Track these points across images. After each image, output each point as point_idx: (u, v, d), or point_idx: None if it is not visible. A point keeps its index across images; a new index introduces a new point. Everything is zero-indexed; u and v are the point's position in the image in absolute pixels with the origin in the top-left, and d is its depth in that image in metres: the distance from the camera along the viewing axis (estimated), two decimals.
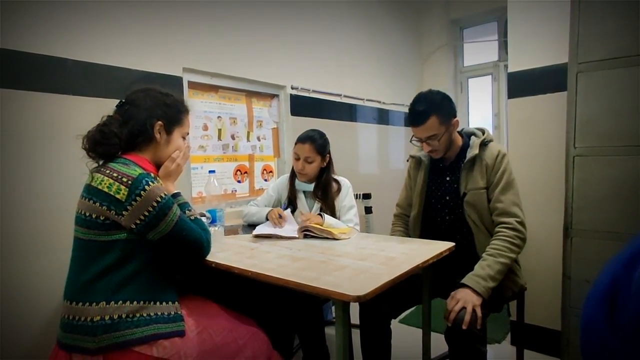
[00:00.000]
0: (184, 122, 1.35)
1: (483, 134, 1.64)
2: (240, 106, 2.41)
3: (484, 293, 1.35)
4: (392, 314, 1.61)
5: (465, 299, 1.32)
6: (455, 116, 1.58)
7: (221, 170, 2.32)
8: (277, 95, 2.62)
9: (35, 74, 1.53)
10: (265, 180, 2.58)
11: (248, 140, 2.46)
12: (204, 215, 1.91)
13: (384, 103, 3.47)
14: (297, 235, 1.62)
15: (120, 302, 1.09)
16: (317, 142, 1.89)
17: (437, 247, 1.37)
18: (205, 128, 2.22)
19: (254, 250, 1.44)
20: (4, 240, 1.44)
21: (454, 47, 3.99)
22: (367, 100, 3.28)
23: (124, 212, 1.09)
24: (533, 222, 2.06)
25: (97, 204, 1.11)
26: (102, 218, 1.10)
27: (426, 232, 1.72)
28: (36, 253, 1.50)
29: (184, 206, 1.29)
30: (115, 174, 1.13)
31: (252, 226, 1.86)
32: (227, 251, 1.44)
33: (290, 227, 1.71)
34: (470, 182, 1.57)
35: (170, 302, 1.19)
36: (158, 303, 1.16)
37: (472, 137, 1.64)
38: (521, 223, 1.50)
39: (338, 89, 2.98)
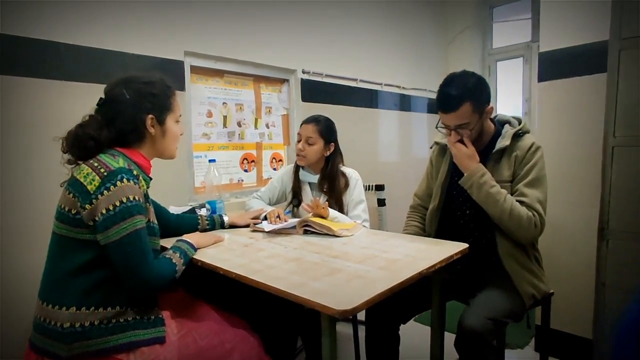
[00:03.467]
0: (174, 106, 1.24)
1: (519, 123, 1.45)
2: (247, 92, 2.29)
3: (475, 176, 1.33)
4: (401, 318, 1.48)
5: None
6: (489, 102, 1.41)
7: (226, 159, 2.22)
8: (287, 80, 2.48)
9: (25, 59, 1.46)
10: (274, 169, 2.47)
11: (256, 127, 2.35)
12: (204, 207, 1.83)
13: (404, 88, 3.27)
14: (296, 229, 1.50)
15: (93, 307, 1.01)
16: (322, 125, 1.78)
17: (447, 249, 1.22)
18: (210, 115, 2.12)
19: (247, 247, 1.33)
20: None
21: (482, 27, 3.70)
22: (386, 85, 3.09)
23: (87, 206, 1.00)
24: (563, 219, 1.86)
25: (71, 194, 1.03)
26: (73, 212, 1.02)
27: (444, 227, 1.57)
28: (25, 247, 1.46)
29: (176, 249, 1.18)
30: (96, 164, 1.05)
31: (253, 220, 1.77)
32: (219, 247, 1.35)
33: (291, 220, 1.59)
34: (495, 173, 1.40)
35: (149, 307, 1.11)
36: (136, 308, 1.08)
37: (506, 126, 1.46)
38: (541, 221, 1.33)
39: (353, 73, 2.80)
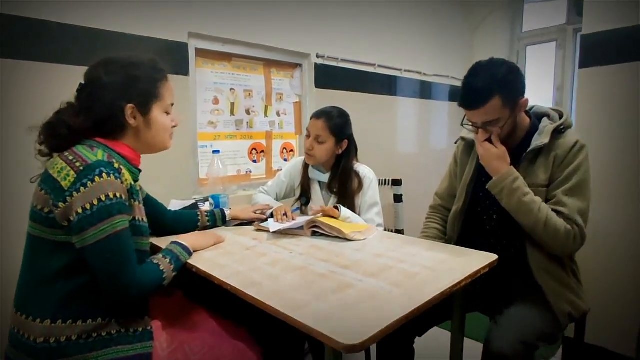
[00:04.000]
0: (164, 94, 1.07)
1: (560, 117, 1.26)
2: (257, 77, 2.15)
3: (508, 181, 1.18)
4: (416, 331, 1.35)
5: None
6: (523, 95, 1.22)
7: (234, 149, 2.10)
8: (300, 65, 2.32)
9: (12, 40, 1.35)
10: (285, 160, 2.34)
11: (266, 115, 2.21)
12: (207, 200, 1.71)
13: (425, 74, 3.07)
14: (304, 230, 1.36)
15: (70, 320, 0.90)
16: (333, 121, 1.60)
17: (472, 261, 1.06)
18: (216, 102, 1.99)
19: (249, 250, 1.21)
20: None
21: (512, 8, 3.44)
22: (406, 71, 2.90)
23: (60, 204, 0.88)
24: (603, 222, 1.68)
25: (44, 192, 0.92)
26: (46, 210, 0.91)
27: (467, 231, 1.41)
28: None
29: (167, 252, 1.06)
30: (71, 157, 0.93)
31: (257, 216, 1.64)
32: (219, 249, 1.23)
33: (299, 219, 1.46)
34: (529, 176, 1.23)
35: (137, 317, 1.00)
36: (122, 319, 0.97)
37: (544, 120, 1.27)
38: (581, 234, 1.16)
39: (372, 57, 2.62)
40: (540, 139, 1.21)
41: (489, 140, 1.24)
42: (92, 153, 0.93)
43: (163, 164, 1.51)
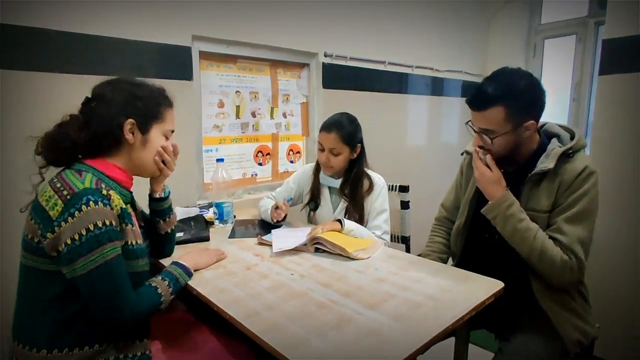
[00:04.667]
0: (165, 117, 1.09)
1: (572, 138, 1.20)
2: (263, 78, 2.11)
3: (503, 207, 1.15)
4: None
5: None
6: (535, 117, 1.16)
7: (239, 152, 2.07)
8: (307, 65, 2.27)
9: (9, 49, 1.33)
10: (292, 162, 2.31)
11: (272, 117, 2.17)
12: (211, 207, 1.70)
13: (437, 70, 2.98)
14: (307, 247, 1.34)
15: (67, 349, 0.90)
16: (345, 130, 1.56)
17: (477, 290, 1.03)
18: (221, 105, 1.96)
19: (250, 270, 1.19)
20: None
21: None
22: (417, 67, 2.81)
23: (48, 235, 0.87)
24: (616, 237, 1.62)
25: (33, 221, 0.91)
26: (35, 240, 0.90)
27: (470, 248, 1.38)
28: None
29: (166, 275, 1.05)
30: (59, 185, 0.91)
31: (266, 224, 1.63)
32: (220, 267, 1.21)
33: (301, 234, 1.43)
34: (532, 200, 1.18)
35: (137, 341, 1.00)
36: (120, 343, 0.96)
37: (553, 142, 1.21)
38: (579, 266, 1.11)
39: (381, 55, 2.55)
40: (545, 162, 1.15)
41: (498, 166, 1.19)
42: (79, 180, 0.91)
43: None
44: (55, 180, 0.94)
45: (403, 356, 0.75)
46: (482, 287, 1.05)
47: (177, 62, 1.70)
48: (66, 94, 1.41)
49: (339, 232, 1.44)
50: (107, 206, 0.91)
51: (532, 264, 1.14)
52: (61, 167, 0.99)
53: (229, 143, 2.01)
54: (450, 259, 1.49)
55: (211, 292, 1.04)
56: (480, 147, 1.21)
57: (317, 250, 1.34)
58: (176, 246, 1.34)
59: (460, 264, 1.40)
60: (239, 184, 2.07)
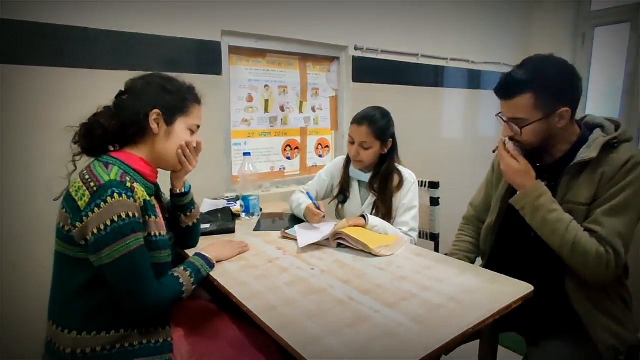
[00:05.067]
0: (191, 112, 1.12)
1: (616, 129, 1.11)
2: (292, 72, 2.10)
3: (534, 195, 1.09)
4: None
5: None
6: (570, 105, 1.09)
7: (268, 146, 2.09)
8: (337, 58, 2.24)
9: (52, 47, 1.40)
10: (320, 156, 2.30)
11: (300, 111, 2.17)
12: (238, 200, 1.72)
13: (473, 62, 2.86)
14: (330, 242, 1.33)
15: (94, 332, 0.94)
16: (377, 125, 1.53)
17: (504, 293, 0.98)
18: (250, 99, 1.98)
19: (271, 263, 1.20)
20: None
21: None
22: (452, 60, 2.71)
23: (77, 224, 0.91)
24: None
25: (64, 210, 0.96)
26: (66, 229, 0.94)
27: (501, 248, 1.31)
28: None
29: (188, 265, 1.08)
30: (87, 176, 0.96)
31: (297, 220, 1.62)
32: (242, 260, 1.23)
33: (326, 228, 1.43)
34: (570, 192, 1.11)
35: (159, 328, 1.03)
36: (144, 329, 1.00)
37: (596, 131, 1.13)
38: (617, 261, 1.02)
39: (414, 47, 2.48)
40: (587, 152, 1.08)
41: (534, 159, 1.13)
42: (106, 173, 0.95)
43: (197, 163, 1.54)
44: (85, 172, 0.98)
45: (417, 357, 0.73)
46: (509, 290, 1.00)
47: (207, 57, 1.73)
48: (104, 89, 1.47)
49: (362, 227, 1.42)
50: (131, 198, 0.94)
51: (564, 259, 1.07)
52: (92, 157, 1.04)
53: (257, 137, 2.03)
54: (478, 260, 1.43)
55: (231, 284, 1.06)
56: (511, 138, 1.15)
57: (339, 245, 1.33)
58: (202, 237, 1.37)
59: (489, 263, 1.34)
60: (266, 177, 2.09)
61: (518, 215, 1.25)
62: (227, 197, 1.83)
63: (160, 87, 1.07)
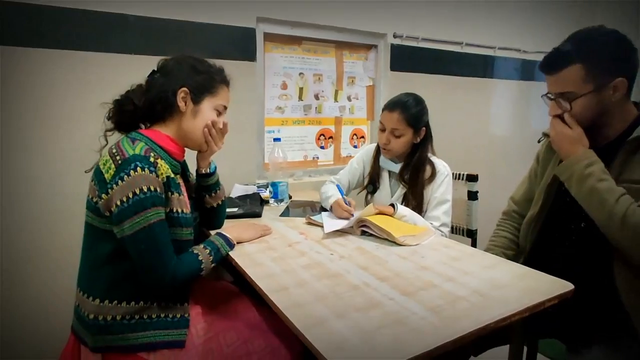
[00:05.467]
0: (219, 93, 1.13)
1: None
2: (327, 60, 2.07)
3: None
4: (470, 349, 1.21)
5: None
6: (625, 75, 0.99)
7: (301, 134, 2.08)
8: (374, 46, 2.18)
9: (95, 33, 1.47)
10: (355, 146, 2.25)
11: (335, 100, 2.14)
12: (268, 187, 1.73)
13: (524, 52, 2.67)
14: (354, 229, 1.29)
15: (116, 301, 0.97)
16: (410, 111, 1.45)
17: (539, 290, 0.89)
18: (284, 87, 1.97)
19: (291, 247, 1.18)
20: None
21: None
22: (500, 49, 2.55)
23: (103, 196, 0.95)
24: None
25: (93, 182, 1.00)
26: (94, 200, 0.98)
27: (544, 242, 1.20)
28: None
29: (208, 243, 1.09)
30: (115, 150, 0.99)
31: (325, 209, 1.57)
32: (262, 242, 1.22)
33: (353, 218, 1.39)
34: (626, 171, 1.00)
35: (178, 304, 1.05)
36: (163, 304, 1.02)
37: None
38: None
39: (458, 35, 2.35)
40: None
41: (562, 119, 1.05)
42: (131, 147, 0.97)
43: (229, 148, 1.55)
44: (113, 146, 1.02)
45: (423, 350, 0.67)
46: (544, 287, 0.90)
47: (241, 44, 1.75)
48: (138, 73, 1.53)
49: (390, 216, 1.36)
50: (153, 173, 0.96)
51: (611, 235, 0.97)
52: (124, 133, 1.08)
53: (290, 125, 2.03)
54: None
55: (248, 264, 1.05)
56: (559, 116, 1.06)
57: (364, 233, 1.29)
58: (229, 220, 1.38)
59: (529, 261, 1.23)
60: (299, 165, 2.08)
61: (565, 206, 1.14)
62: (258, 183, 1.84)
63: (190, 67, 1.09)
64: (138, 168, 0.93)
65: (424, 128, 1.50)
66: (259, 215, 1.50)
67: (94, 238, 1.01)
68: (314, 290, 0.90)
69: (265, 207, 1.64)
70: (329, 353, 0.67)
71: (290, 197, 1.78)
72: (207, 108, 1.11)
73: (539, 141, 1.28)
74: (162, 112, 1.08)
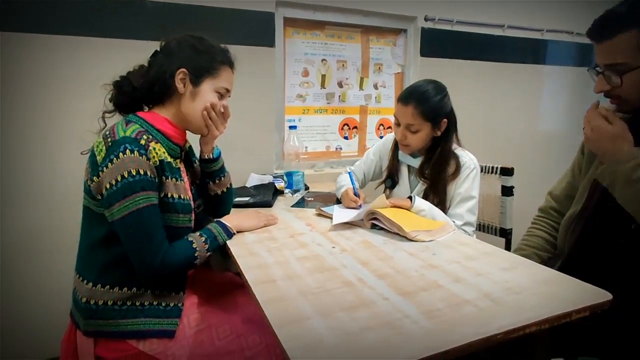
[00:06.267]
0: (220, 74, 1.08)
1: None
2: (353, 46, 1.97)
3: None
4: None
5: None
6: None
7: (323, 124, 1.99)
8: (404, 31, 2.05)
9: (114, 19, 1.48)
10: (382, 137, 2.12)
11: (361, 88, 2.03)
12: (279, 177, 1.67)
13: (577, 34, 2.40)
14: (364, 222, 1.20)
15: (108, 286, 0.95)
16: (426, 104, 1.30)
17: (568, 299, 0.75)
18: (306, 74, 1.90)
19: (293, 238, 1.11)
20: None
21: None
22: (548, 31, 2.31)
23: (94, 178, 0.92)
24: None
25: (88, 165, 0.98)
26: (89, 183, 0.96)
27: (585, 245, 1.04)
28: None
29: (204, 231, 1.04)
30: (107, 132, 0.97)
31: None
32: (264, 232, 1.16)
33: (364, 209, 1.29)
34: None
35: (173, 292, 1.01)
36: (157, 291, 0.99)
37: None
38: None
39: (498, 17, 2.15)
40: None
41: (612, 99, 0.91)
42: (123, 129, 0.94)
43: (246, 136, 1.52)
44: (108, 129, 0.99)
45: (413, 358, 0.57)
46: (573, 295, 0.76)
47: (259, 29, 1.69)
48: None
49: (407, 210, 1.25)
50: (143, 156, 0.92)
51: None
52: (124, 115, 1.05)
53: (312, 114, 1.95)
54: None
55: (242, 253, 0.99)
56: (608, 95, 0.91)
57: (374, 227, 1.19)
58: (239, 209, 1.34)
59: (567, 265, 1.07)
60: (321, 156, 2.00)
61: (613, 203, 0.98)
62: (275, 173, 1.79)
63: (191, 47, 1.05)
64: (127, 150, 0.90)
65: (445, 120, 1.33)
66: (269, 205, 1.45)
67: (89, 221, 1.00)
68: (303, 285, 0.82)
69: (280, 198, 1.59)
70: (295, 353, 0.59)
71: (307, 188, 1.71)
72: (207, 90, 1.06)
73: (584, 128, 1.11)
74: (161, 94, 1.05)
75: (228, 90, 1.12)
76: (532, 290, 0.79)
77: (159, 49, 1.08)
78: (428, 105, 1.30)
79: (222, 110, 1.10)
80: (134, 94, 1.05)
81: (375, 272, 0.88)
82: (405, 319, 0.68)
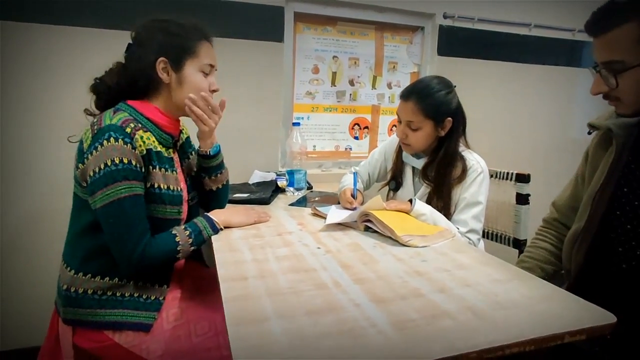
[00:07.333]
0: (199, 52, 1.02)
1: None
2: (366, 43, 1.91)
3: None
4: None
5: None
6: None
7: (333, 122, 1.94)
8: (421, 28, 1.97)
9: (117, 10, 1.49)
10: None
11: (373, 87, 1.97)
12: (283, 176, 1.63)
13: None
14: (357, 223, 1.14)
15: (90, 275, 0.95)
16: (428, 100, 1.23)
17: (562, 318, 0.67)
18: (316, 71, 1.86)
19: (280, 236, 1.07)
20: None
21: None
22: (579, 32, 2.16)
23: (79, 165, 0.92)
24: None
25: (77, 151, 0.97)
26: (76, 170, 0.96)
27: (594, 264, 0.94)
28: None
29: (189, 225, 1.01)
30: (95, 119, 0.96)
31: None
32: (253, 229, 1.13)
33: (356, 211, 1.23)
34: None
35: (156, 285, 0.99)
36: (140, 283, 0.97)
37: None
38: None
39: (524, 15, 2.04)
40: None
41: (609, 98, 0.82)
42: (110, 117, 0.93)
43: (251, 132, 1.49)
44: (96, 117, 0.98)
45: None
46: (571, 315, 0.68)
47: (268, 23, 1.66)
48: None
49: (407, 213, 1.18)
50: (128, 145, 0.90)
51: None
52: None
53: (321, 112, 1.91)
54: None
55: (222, 249, 0.96)
56: (605, 97, 0.82)
57: (368, 229, 1.12)
58: (236, 204, 1.31)
59: (576, 286, 0.97)
60: (329, 156, 1.95)
61: (622, 222, 0.88)
62: (280, 171, 1.75)
63: (160, 31, 0.99)
64: (112, 138, 0.89)
65: (449, 119, 1.26)
66: (266, 202, 1.41)
67: (77, 208, 0.99)
68: (273, 284, 0.77)
69: (281, 196, 1.55)
70: (240, 353, 0.55)
71: (310, 187, 1.66)
72: (192, 72, 1.01)
73: (589, 133, 1.01)
74: (146, 87, 1.01)
75: (212, 66, 1.05)
76: (523, 307, 0.70)
77: (130, 42, 1.03)
78: (429, 101, 1.23)
79: (208, 99, 1.05)
80: (110, 93, 1.01)
81: (354, 276, 0.82)
82: (371, 329, 0.62)
